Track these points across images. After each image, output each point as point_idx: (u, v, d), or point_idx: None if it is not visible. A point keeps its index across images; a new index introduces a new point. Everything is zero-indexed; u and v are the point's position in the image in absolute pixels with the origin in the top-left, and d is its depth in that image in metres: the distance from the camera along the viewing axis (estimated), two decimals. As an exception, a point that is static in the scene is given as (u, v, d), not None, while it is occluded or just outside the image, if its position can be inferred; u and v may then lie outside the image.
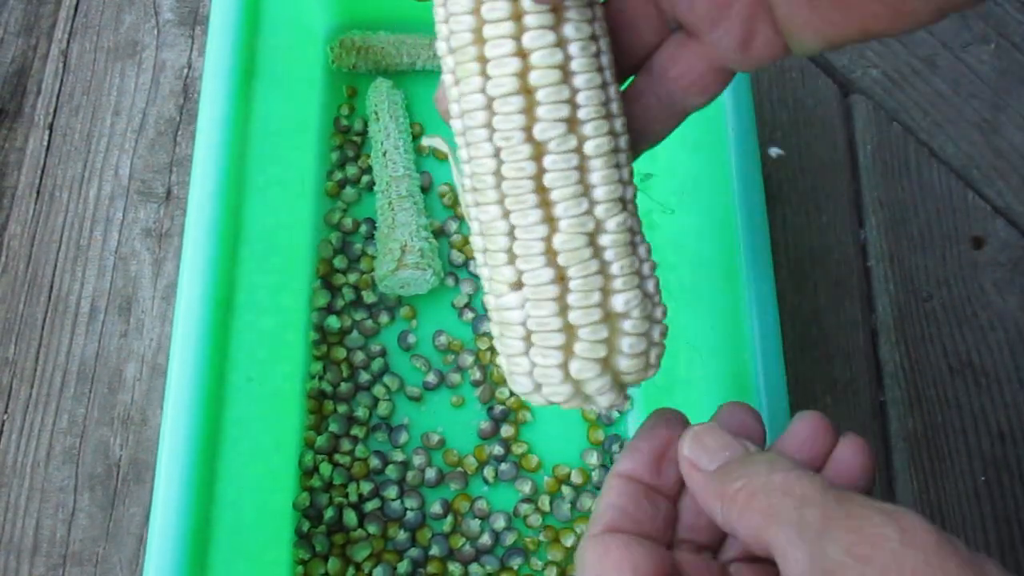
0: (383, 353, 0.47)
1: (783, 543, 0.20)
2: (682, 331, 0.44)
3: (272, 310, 0.43)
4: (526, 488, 0.45)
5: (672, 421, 0.26)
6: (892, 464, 0.48)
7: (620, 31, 0.26)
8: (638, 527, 0.24)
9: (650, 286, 0.25)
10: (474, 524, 0.44)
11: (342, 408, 0.46)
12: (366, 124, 0.52)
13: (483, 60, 0.23)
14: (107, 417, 0.46)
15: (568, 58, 0.24)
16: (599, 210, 0.24)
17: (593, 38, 0.24)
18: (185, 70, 0.54)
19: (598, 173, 0.24)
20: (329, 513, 0.43)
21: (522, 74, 0.23)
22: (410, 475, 0.45)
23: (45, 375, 0.47)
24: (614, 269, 0.24)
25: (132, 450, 0.46)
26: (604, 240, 0.24)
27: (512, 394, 0.47)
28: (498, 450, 0.46)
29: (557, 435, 0.47)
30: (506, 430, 0.46)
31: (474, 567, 0.44)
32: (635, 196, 0.25)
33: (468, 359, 0.47)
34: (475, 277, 0.49)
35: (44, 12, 0.56)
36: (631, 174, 0.25)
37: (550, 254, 0.24)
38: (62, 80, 0.54)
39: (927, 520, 0.20)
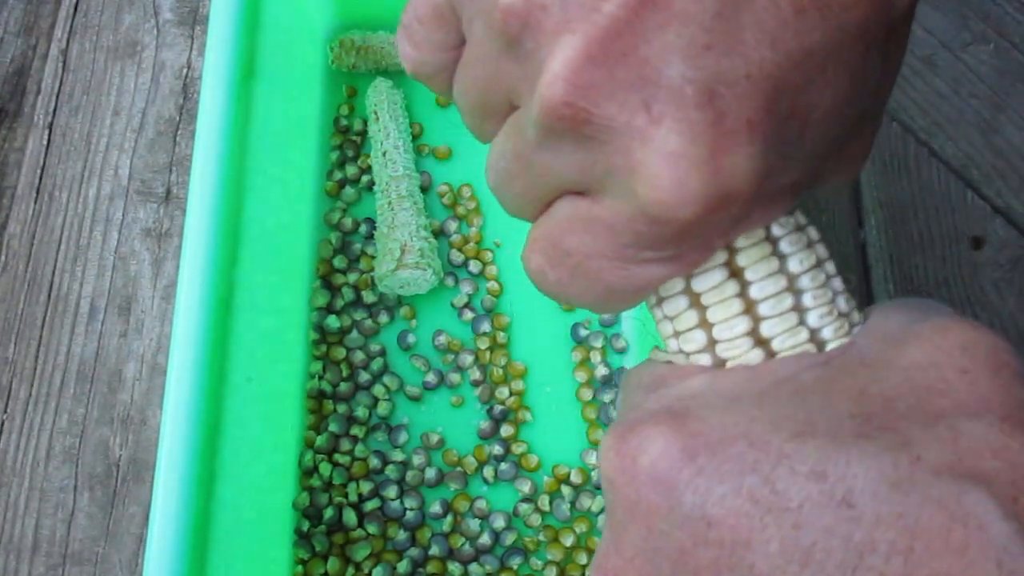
0: (383, 353, 0.47)
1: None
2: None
3: (272, 310, 0.43)
4: (526, 488, 0.45)
5: None
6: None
7: None
8: None
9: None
10: (474, 524, 0.44)
11: (342, 408, 0.46)
12: (366, 124, 0.52)
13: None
14: (107, 417, 0.46)
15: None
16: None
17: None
18: (185, 70, 0.54)
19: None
20: (329, 513, 0.43)
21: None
22: (410, 475, 0.45)
23: (45, 375, 0.47)
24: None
25: (132, 450, 0.46)
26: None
27: (512, 393, 0.47)
28: (498, 450, 0.46)
29: (557, 435, 0.47)
30: (506, 430, 0.46)
31: (474, 567, 0.44)
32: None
33: (468, 359, 0.47)
34: (475, 277, 0.49)
35: (44, 12, 0.56)
36: None
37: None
38: (62, 80, 0.54)
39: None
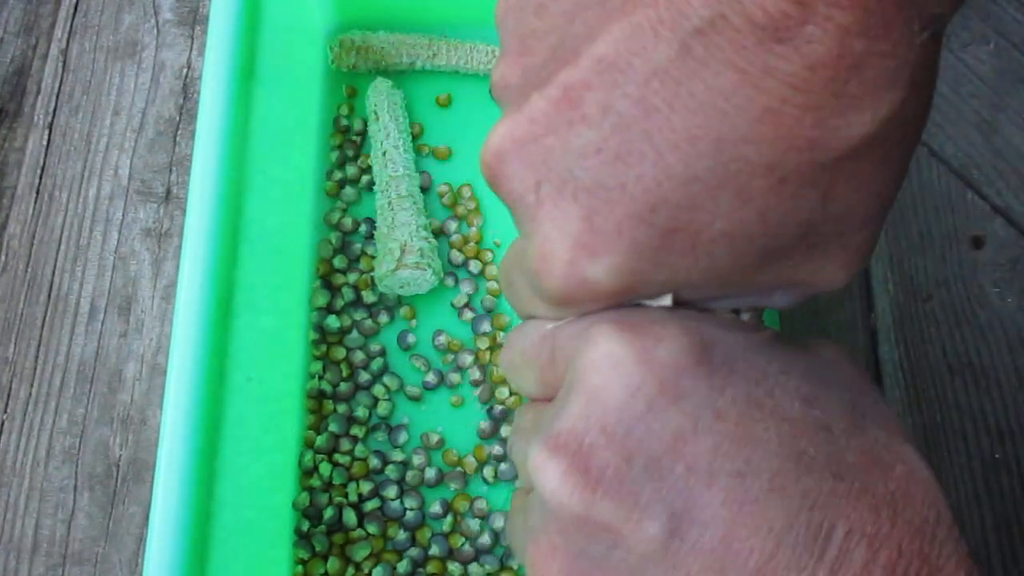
0: (383, 353, 0.47)
1: None
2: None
3: (272, 310, 0.43)
4: (526, 488, 0.45)
5: None
6: (891, 464, 0.48)
7: None
8: None
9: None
10: (474, 524, 0.44)
11: (342, 408, 0.46)
12: (366, 124, 0.52)
13: None
14: (107, 417, 0.46)
15: None
16: None
17: None
18: (185, 70, 0.54)
19: None
20: (329, 513, 0.43)
21: None
22: (410, 475, 0.45)
23: (45, 375, 0.47)
24: None
25: (132, 450, 0.46)
26: None
27: (512, 393, 0.47)
28: (498, 450, 0.46)
29: (557, 435, 0.47)
30: (506, 430, 0.46)
31: (474, 567, 0.44)
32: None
33: (468, 359, 0.47)
34: (475, 277, 0.49)
35: (44, 12, 0.56)
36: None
37: None
38: (62, 80, 0.54)
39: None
